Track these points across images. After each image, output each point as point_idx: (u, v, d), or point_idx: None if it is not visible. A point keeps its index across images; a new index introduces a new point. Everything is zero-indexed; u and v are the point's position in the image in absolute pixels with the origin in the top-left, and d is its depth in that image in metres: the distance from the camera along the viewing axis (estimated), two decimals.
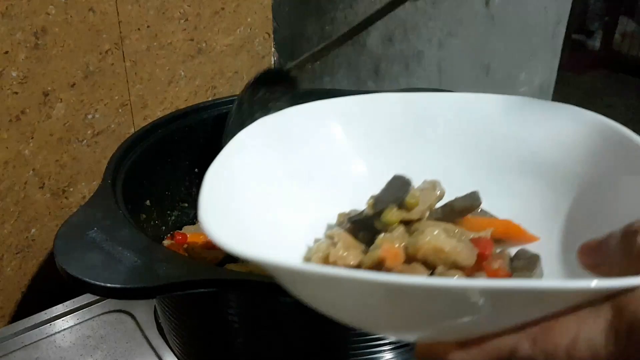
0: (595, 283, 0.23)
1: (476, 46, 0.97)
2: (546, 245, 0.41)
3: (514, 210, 0.45)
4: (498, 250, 0.41)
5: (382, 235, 0.40)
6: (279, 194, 0.45)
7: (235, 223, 0.38)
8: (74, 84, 0.65)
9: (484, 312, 0.25)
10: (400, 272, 0.37)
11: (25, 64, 0.61)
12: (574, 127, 0.45)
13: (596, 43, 3.12)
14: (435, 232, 0.37)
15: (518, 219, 0.44)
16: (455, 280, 0.24)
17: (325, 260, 0.41)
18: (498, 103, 0.49)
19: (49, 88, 0.64)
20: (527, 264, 0.39)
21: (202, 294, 0.43)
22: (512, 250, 0.42)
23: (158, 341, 0.59)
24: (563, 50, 1.11)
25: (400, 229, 0.41)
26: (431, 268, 0.37)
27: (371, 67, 0.88)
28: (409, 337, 0.29)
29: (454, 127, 0.50)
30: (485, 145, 0.49)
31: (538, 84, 1.05)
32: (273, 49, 0.81)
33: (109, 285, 0.37)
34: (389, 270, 0.37)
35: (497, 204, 0.45)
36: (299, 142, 0.48)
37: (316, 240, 0.44)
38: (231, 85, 0.79)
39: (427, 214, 0.44)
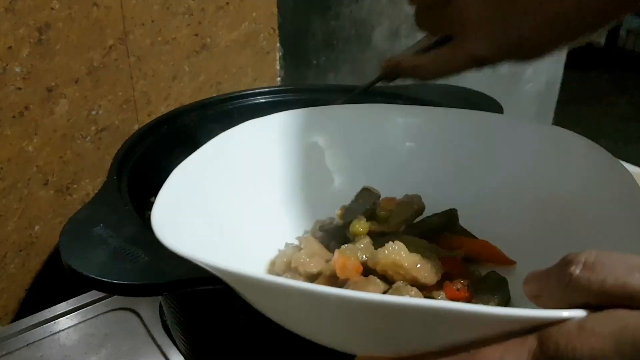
0: (507, 311, 0.23)
1: None
2: (522, 269, 0.41)
3: (494, 232, 0.44)
4: (470, 271, 0.41)
5: (345, 246, 0.40)
6: (254, 198, 0.46)
7: (197, 225, 0.38)
8: (78, 80, 0.65)
9: (406, 330, 0.25)
10: (355, 283, 0.37)
11: (29, 60, 0.60)
12: (564, 153, 0.44)
13: (601, 40, 3.12)
14: (396, 247, 0.37)
15: (497, 241, 0.44)
16: (358, 293, 0.24)
17: (288, 265, 0.41)
18: (488, 121, 0.49)
19: (53, 84, 0.63)
20: (491, 287, 0.39)
21: (210, 291, 0.42)
22: (486, 272, 0.42)
23: (163, 339, 0.59)
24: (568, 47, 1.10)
25: (366, 240, 0.41)
26: (390, 283, 0.37)
27: (376, 63, 0.88)
28: (344, 349, 0.30)
29: (436, 142, 0.50)
30: (470, 163, 0.48)
31: (544, 81, 1.04)
32: (278, 45, 0.81)
33: (115, 282, 0.36)
34: (343, 281, 0.38)
35: (478, 225, 0.45)
36: (279, 148, 0.49)
37: (287, 245, 0.45)
38: (235, 81, 0.79)
39: (403, 227, 0.44)
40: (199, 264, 0.29)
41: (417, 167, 0.50)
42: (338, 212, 0.44)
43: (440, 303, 0.24)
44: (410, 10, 0.85)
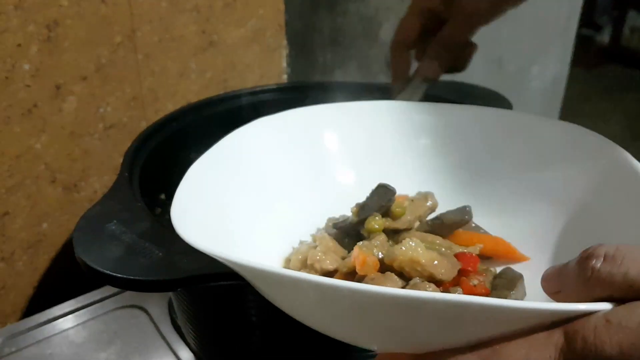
0: (533, 305, 0.23)
1: (488, 39, 0.96)
2: (537, 266, 0.40)
3: (509, 229, 0.44)
4: (484, 268, 0.41)
5: (360, 243, 0.40)
6: (267, 196, 0.46)
7: (214, 221, 0.39)
8: (86, 77, 0.65)
9: (427, 325, 0.25)
10: (373, 280, 0.37)
11: (38, 57, 0.60)
12: (579, 150, 0.44)
13: (605, 38, 3.11)
14: (413, 244, 0.37)
15: (511, 237, 0.44)
16: (381, 288, 0.24)
17: (304, 263, 0.41)
18: (498, 117, 0.49)
19: (61, 81, 0.63)
20: (507, 283, 0.39)
21: (221, 287, 0.42)
22: (501, 269, 0.42)
23: (172, 336, 0.59)
24: (573, 44, 1.10)
25: (382, 237, 0.41)
26: (407, 279, 0.37)
27: (383, 60, 0.88)
28: (366, 345, 0.30)
29: (450, 139, 0.50)
30: (484, 160, 0.48)
31: (550, 78, 1.04)
32: (285, 42, 0.81)
33: (130, 277, 0.36)
34: (361, 277, 0.38)
35: (492, 222, 0.45)
36: (292, 145, 0.49)
37: (301, 242, 0.45)
38: (242, 78, 0.79)
39: (417, 224, 0.44)
40: (221, 260, 0.29)
41: (430, 164, 0.50)
42: (353, 208, 0.44)
43: (464, 297, 0.23)
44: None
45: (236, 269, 0.29)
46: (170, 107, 0.73)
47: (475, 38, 0.94)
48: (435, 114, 0.51)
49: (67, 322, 0.61)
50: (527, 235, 0.43)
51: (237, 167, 0.45)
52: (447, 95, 0.62)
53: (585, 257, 0.24)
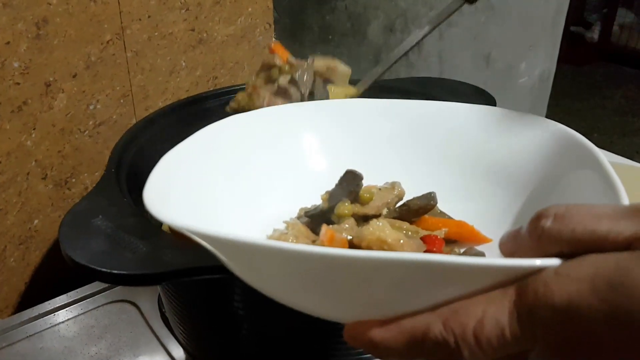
0: (483, 261, 0.24)
1: (477, 36, 0.97)
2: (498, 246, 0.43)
3: (472, 213, 0.46)
4: (449, 249, 0.43)
5: (330, 226, 0.41)
6: (240, 187, 0.47)
7: (186, 209, 0.40)
8: (76, 75, 0.65)
9: (390, 288, 0.26)
10: None
11: (27, 55, 0.61)
12: (535, 135, 0.46)
13: (595, 35, 3.13)
14: (380, 224, 0.38)
15: (475, 221, 0.45)
16: (344, 251, 0.25)
17: None
18: (467, 112, 0.51)
19: (51, 78, 0.64)
20: None
21: (208, 281, 0.43)
22: (464, 250, 0.44)
23: (162, 330, 0.59)
24: (562, 41, 1.11)
25: (351, 221, 0.43)
26: None
27: (372, 58, 0.88)
28: (332, 315, 0.30)
29: (418, 133, 0.52)
30: (451, 151, 0.51)
31: (538, 74, 1.05)
32: (274, 39, 0.81)
33: (115, 272, 0.37)
34: None
35: (457, 207, 0.47)
36: (266, 139, 0.50)
37: (275, 230, 0.46)
38: (232, 75, 0.79)
39: (385, 211, 0.46)
40: (187, 233, 0.30)
41: (400, 156, 0.52)
42: (323, 196, 0.45)
43: (420, 255, 0.24)
44: (405, 4, 0.85)
45: (203, 240, 0.30)
46: (160, 104, 0.74)
47: (463, 36, 0.95)
48: (407, 109, 0.53)
49: (58, 317, 0.62)
50: (488, 218, 0.45)
51: (211, 158, 0.46)
52: (431, 92, 0.63)
53: (536, 218, 0.26)
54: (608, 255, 0.23)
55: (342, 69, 0.61)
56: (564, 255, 0.24)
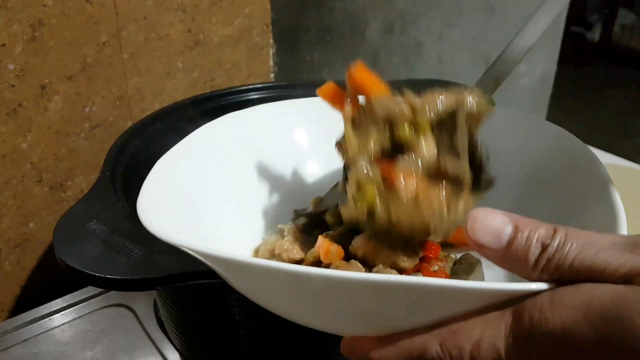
0: (480, 285, 0.24)
1: (476, 37, 0.96)
2: None
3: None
4: (445, 254, 0.43)
5: (326, 234, 0.41)
6: (236, 190, 0.47)
7: (181, 214, 0.39)
8: (72, 77, 0.65)
9: (388, 308, 0.26)
10: (337, 268, 0.38)
11: (22, 57, 0.60)
12: (533, 137, 0.46)
13: (595, 35, 3.12)
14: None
15: None
16: (343, 272, 0.25)
17: (272, 252, 0.42)
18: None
19: (46, 81, 0.63)
20: (466, 268, 0.41)
21: (203, 285, 0.42)
22: (460, 255, 0.43)
23: (158, 335, 0.59)
24: (563, 42, 1.11)
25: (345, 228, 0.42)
26: (371, 267, 0.38)
27: (370, 59, 0.88)
28: (331, 330, 0.30)
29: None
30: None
31: (539, 75, 1.05)
32: (272, 40, 0.81)
33: (109, 276, 0.36)
34: (326, 266, 0.38)
35: None
36: (261, 139, 0.50)
37: (270, 234, 0.46)
38: (229, 77, 0.79)
39: None
40: (187, 250, 0.30)
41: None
42: (313, 200, 0.45)
43: (420, 279, 0.25)
44: (403, 5, 0.85)
45: (201, 257, 0.30)
46: (156, 106, 0.73)
47: (463, 36, 0.94)
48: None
49: (53, 321, 0.62)
50: None
51: (205, 161, 0.46)
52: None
53: (535, 242, 0.25)
54: (603, 286, 0.23)
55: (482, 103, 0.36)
56: (560, 282, 0.24)
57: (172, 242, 0.30)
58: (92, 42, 0.65)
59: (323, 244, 0.38)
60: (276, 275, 0.27)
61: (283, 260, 0.42)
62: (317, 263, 0.39)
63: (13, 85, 0.61)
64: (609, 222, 0.32)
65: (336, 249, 0.38)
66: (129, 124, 0.71)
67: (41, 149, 0.65)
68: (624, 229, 0.31)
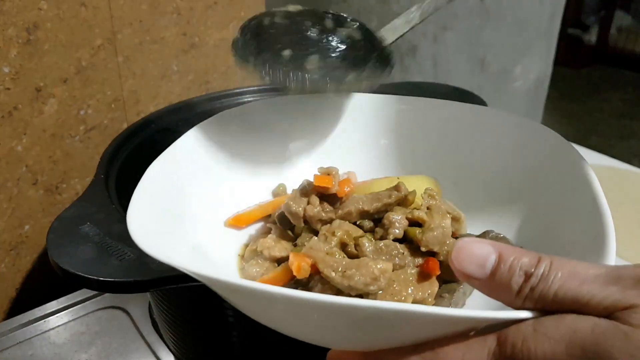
0: (464, 313, 0.24)
1: (471, 40, 0.96)
2: None
3: (461, 206, 0.46)
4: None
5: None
6: (227, 188, 0.47)
7: (173, 214, 0.39)
8: (66, 80, 0.65)
9: (368, 329, 0.26)
10: (314, 283, 0.38)
11: (17, 60, 0.61)
12: (524, 139, 0.46)
13: (592, 37, 3.13)
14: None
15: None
16: (330, 297, 0.25)
17: (255, 251, 0.42)
18: (456, 110, 0.50)
19: (41, 84, 0.63)
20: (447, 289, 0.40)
21: (197, 287, 0.43)
22: None
23: (152, 337, 0.59)
24: (559, 45, 1.11)
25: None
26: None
27: None
28: (318, 343, 0.30)
29: (409, 133, 0.51)
30: (442, 151, 0.50)
31: (533, 78, 1.05)
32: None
33: (102, 279, 0.36)
34: (306, 282, 0.39)
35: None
36: (252, 137, 0.50)
37: (257, 230, 0.47)
38: (224, 80, 0.79)
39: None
40: (175, 267, 0.30)
41: (388, 157, 0.51)
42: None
43: (404, 306, 0.24)
44: (398, 8, 0.85)
45: (189, 274, 0.30)
46: (151, 109, 0.73)
47: (458, 39, 0.95)
48: (396, 107, 0.52)
49: (48, 323, 0.62)
50: (473, 227, 0.45)
51: (195, 165, 0.46)
52: (422, 95, 0.63)
53: (518, 272, 0.26)
54: (586, 319, 0.24)
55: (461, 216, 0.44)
56: (544, 311, 0.25)
57: (165, 261, 0.30)
58: (87, 45, 0.65)
59: (294, 262, 0.37)
60: (252, 295, 0.27)
61: (265, 258, 0.42)
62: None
63: (8, 88, 0.61)
64: (597, 231, 0.33)
65: (307, 264, 0.37)
66: (124, 126, 0.71)
67: (36, 151, 0.65)
68: (611, 237, 0.31)
